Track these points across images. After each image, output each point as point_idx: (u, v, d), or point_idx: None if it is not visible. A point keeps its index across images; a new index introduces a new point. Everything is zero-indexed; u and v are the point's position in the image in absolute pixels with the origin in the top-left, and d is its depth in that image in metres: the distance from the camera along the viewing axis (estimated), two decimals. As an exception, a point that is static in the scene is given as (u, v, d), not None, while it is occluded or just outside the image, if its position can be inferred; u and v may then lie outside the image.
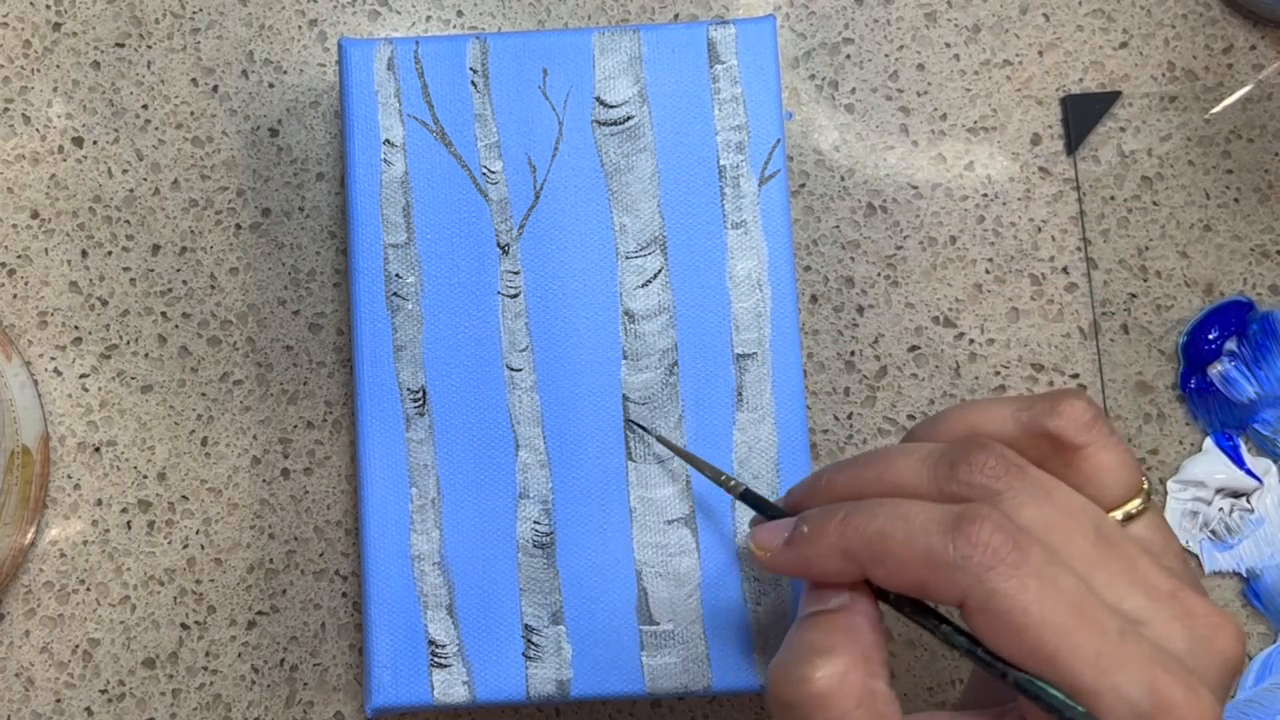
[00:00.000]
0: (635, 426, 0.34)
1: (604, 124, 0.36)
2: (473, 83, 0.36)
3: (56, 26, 0.41)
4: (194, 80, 0.41)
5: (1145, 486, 0.27)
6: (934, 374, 0.40)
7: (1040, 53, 0.42)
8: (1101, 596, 0.24)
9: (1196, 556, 0.39)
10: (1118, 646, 0.23)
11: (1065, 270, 0.41)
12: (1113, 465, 0.26)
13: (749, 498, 0.32)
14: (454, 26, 0.42)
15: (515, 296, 0.35)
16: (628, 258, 0.35)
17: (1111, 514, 0.26)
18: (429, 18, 0.42)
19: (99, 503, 0.40)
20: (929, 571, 0.24)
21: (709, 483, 0.34)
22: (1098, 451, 0.26)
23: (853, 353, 0.40)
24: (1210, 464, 0.39)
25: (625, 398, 0.35)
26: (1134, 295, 0.41)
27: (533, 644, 0.34)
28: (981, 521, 0.24)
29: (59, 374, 0.40)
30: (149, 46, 0.41)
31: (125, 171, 0.41)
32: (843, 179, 0.41)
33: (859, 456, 0.28)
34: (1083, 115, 0.41)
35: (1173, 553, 0.26)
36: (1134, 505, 0.26)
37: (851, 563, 0.25)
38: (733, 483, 0.32)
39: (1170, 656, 0.23)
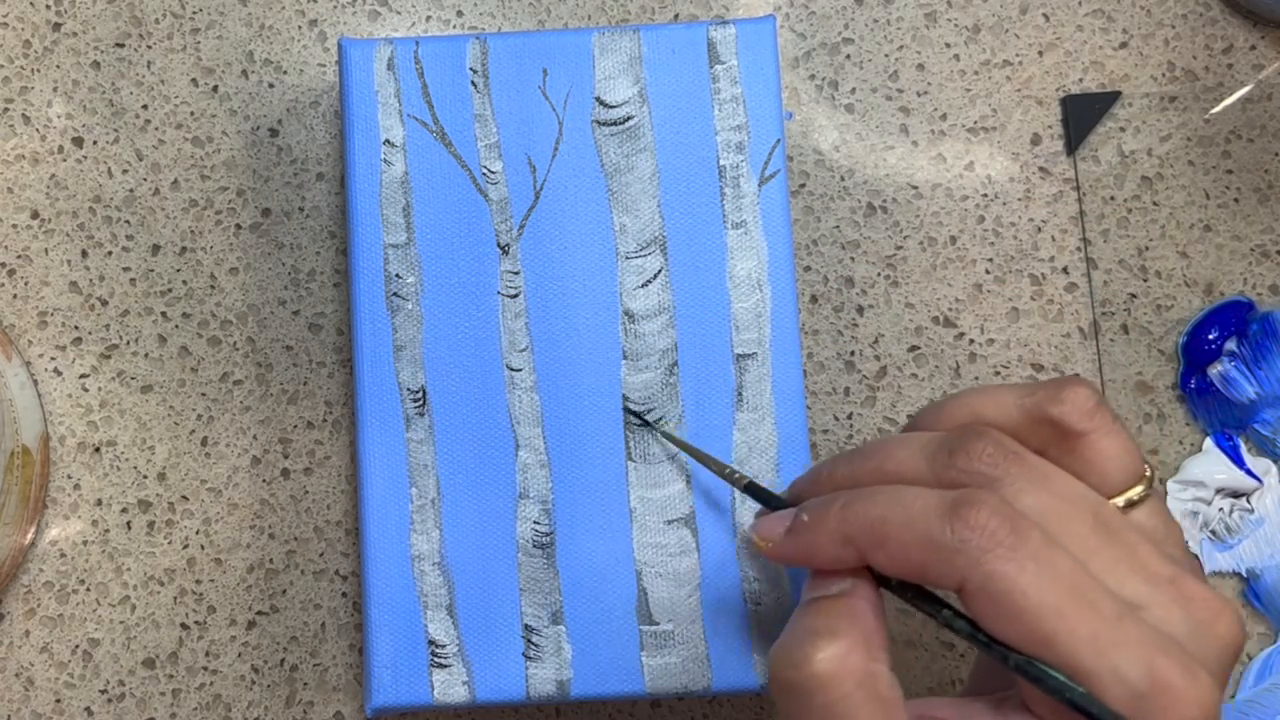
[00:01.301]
0: (633, 419, 0.34)
1: (604, 124, 0.36)
2: (473, 83, 0.36)
3: (56, 26, 0.41)
4: (194, 80, 0.41)
5: (1148, 474, 0.27)
6: (934, 374, 0.40)
7: (1040, 53, 0.42)
8: (1101, 581, 0.24)
9: (1196, 557, 0.39)
10: (1115, 628, 0.23)
11: (1065, 270, 0.41)
12: (1115, 452, 0.26)
13: (753, 490, 0.31)
14: (454, 26, 0.42)
15: (515, 296, 0.35)
16: (628, 258, 0.35)
17: (1113, 501, 0.26)
18: (429, 18, 0.42)
19: (99, 503, 0.40)
20: (927, 555, 0.24)
21: (709, 483, 0.34)
22: (1100, 438, 0.26)
23: (853, 353, 0.40)
24: (1210, 464, 0.39)
25: (625, 398, 0.35)
26: (1134, 295, 0.41)
27: (533, 644, 0.34)
28: (979, 505, 0.24)
29: (59, 374, 0.40)
30: (149, 46, 0.41)
31: (125, 171, 0.41)
32: (843, 179, 0.41)
33: (859, 447, 0.28)
34: (1083, 115, 0.41)
35: (1174, 540, 0.27)
36: (1136, 492, 0.26)
37: (852, 549, 0.26)
38: (737, 475, 0.32)
39: (1168, 640, 0.23)
